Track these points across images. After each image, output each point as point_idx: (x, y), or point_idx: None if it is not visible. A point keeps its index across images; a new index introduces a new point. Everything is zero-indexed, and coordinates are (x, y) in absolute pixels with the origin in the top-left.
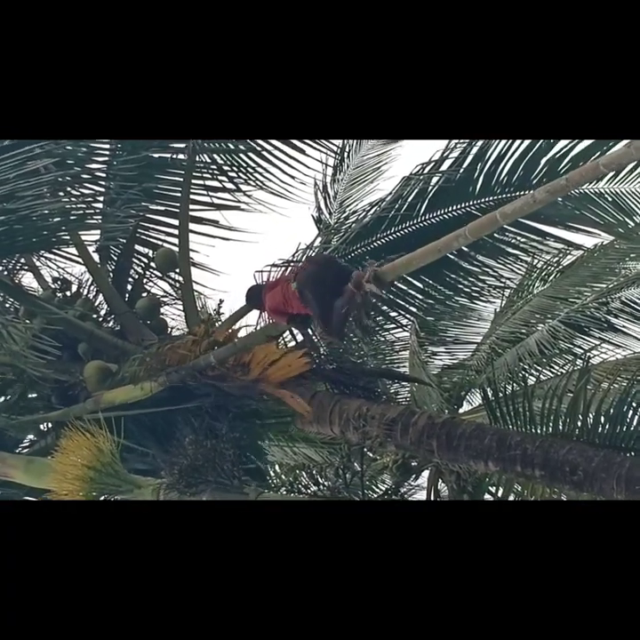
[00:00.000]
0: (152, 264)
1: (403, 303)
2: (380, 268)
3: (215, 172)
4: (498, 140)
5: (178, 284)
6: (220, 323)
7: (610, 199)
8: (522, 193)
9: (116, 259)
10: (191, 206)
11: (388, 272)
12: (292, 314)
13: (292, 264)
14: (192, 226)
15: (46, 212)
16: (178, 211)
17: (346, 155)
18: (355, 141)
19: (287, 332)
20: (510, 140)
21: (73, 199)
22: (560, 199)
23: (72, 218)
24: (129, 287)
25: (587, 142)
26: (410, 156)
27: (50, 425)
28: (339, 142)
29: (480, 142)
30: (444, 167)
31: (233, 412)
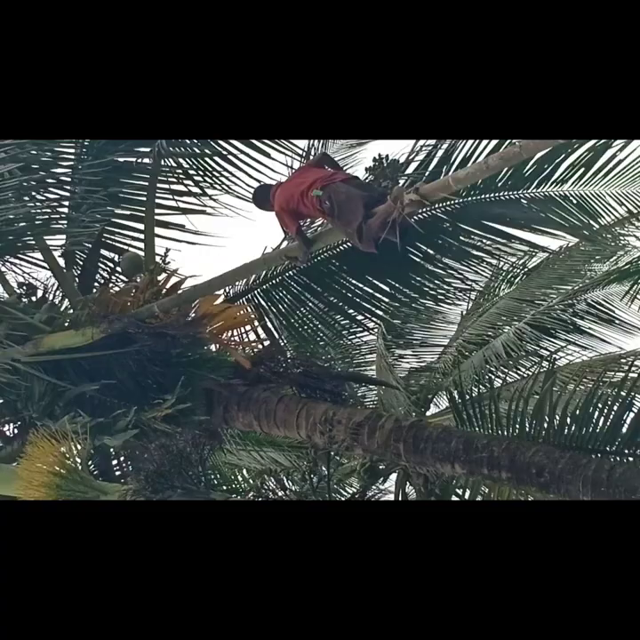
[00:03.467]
0: (118, 268)
1: (369, 306)
2: (422, 186)
3: (181, 176)
4: (463, 143)
5: None
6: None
7: (574, 201)
8: (487, 196)
9: (81, 263)
10: (157, 210)
11: (428, 191)
12: (303, 214)
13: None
14: (158, 230)
15: (11, 216)
16: (143, 215)
17: (311, 157)
18: (319, 144)
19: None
20: (475, 143)
21: (38, 204)
22: (525, 202)
23: (37, 223)
24: (97, 295)
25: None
26: None
27: (15, 431)
28: (303, 145)
29: (446, 145)
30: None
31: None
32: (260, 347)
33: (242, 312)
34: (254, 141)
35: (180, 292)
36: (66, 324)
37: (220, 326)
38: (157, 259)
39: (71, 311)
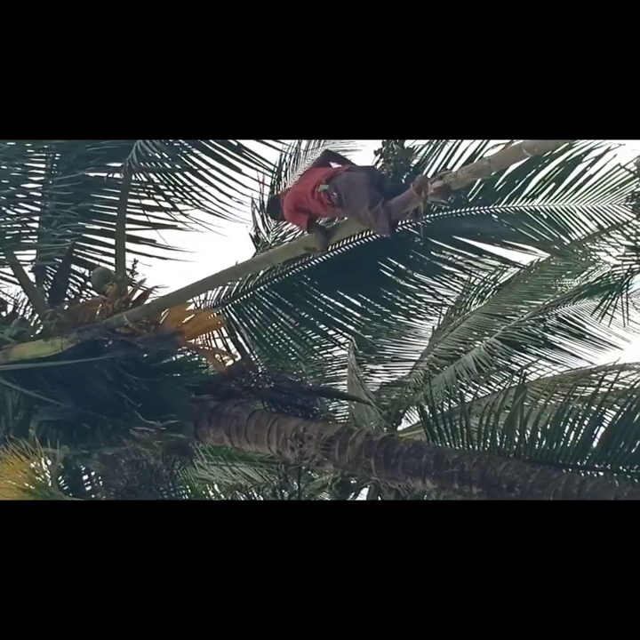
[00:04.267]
0: (88, 283)
1: (340, 321)
2: (446, 174)
3: (151, 191)
4: (434, 160)
5: None
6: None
7: (545, 216)
8: (458, 211)
9: (52, 278)
10: (127, 225)
11: (453, 180)
12: (313, 214)
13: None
14: (128, 245)
15: None
16: (114, 230)
17: (283, 174)
18: (292, 160)
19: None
20: (447, 158)
21: (8, 219)
22: (496, 217)
23: (7, 238)
24: (65, 307)
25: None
26: None
27: None
28: (274, 159)
29: (414, 162)
30: None
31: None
32: (232, 361)
33: (211, 316)
34: (225, 157)
35: (148, 302)
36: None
37: (191, 331)
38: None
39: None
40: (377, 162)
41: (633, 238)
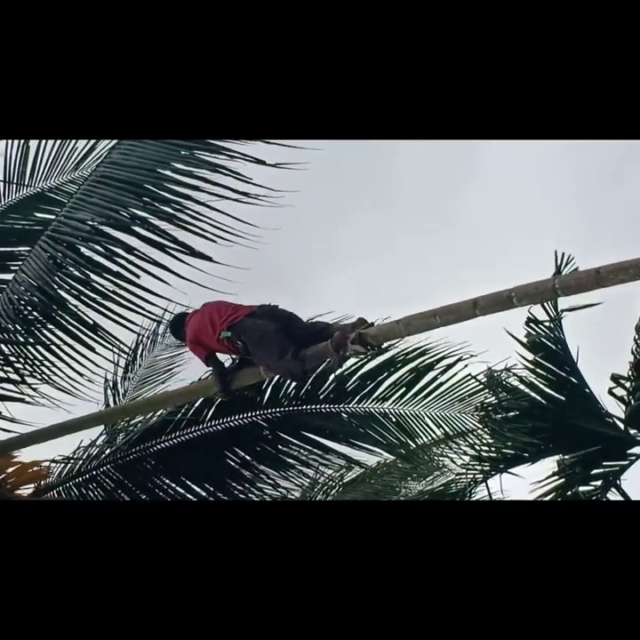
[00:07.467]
0: None
1: None
2: (364, 330)
3: (1, 362)
4: None
5: None
6: None
7: (394, 420)
8: (309, 407)
9: None
10: None
11: (372, 335)
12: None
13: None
14: None
15: None
16: None
17: (139, 353)
18: (149, 341)
19: None
20: None
21: None
22: (345, 415)
23: None
24: None
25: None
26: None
27: None
28: (131, 340)
29: None
30: None
31: None
32: None
33: (36, 468)
34: (80, 334)
35: None
36: None
37: (16, 482)
38: None
39: None
40: None
41: (477, 448)
